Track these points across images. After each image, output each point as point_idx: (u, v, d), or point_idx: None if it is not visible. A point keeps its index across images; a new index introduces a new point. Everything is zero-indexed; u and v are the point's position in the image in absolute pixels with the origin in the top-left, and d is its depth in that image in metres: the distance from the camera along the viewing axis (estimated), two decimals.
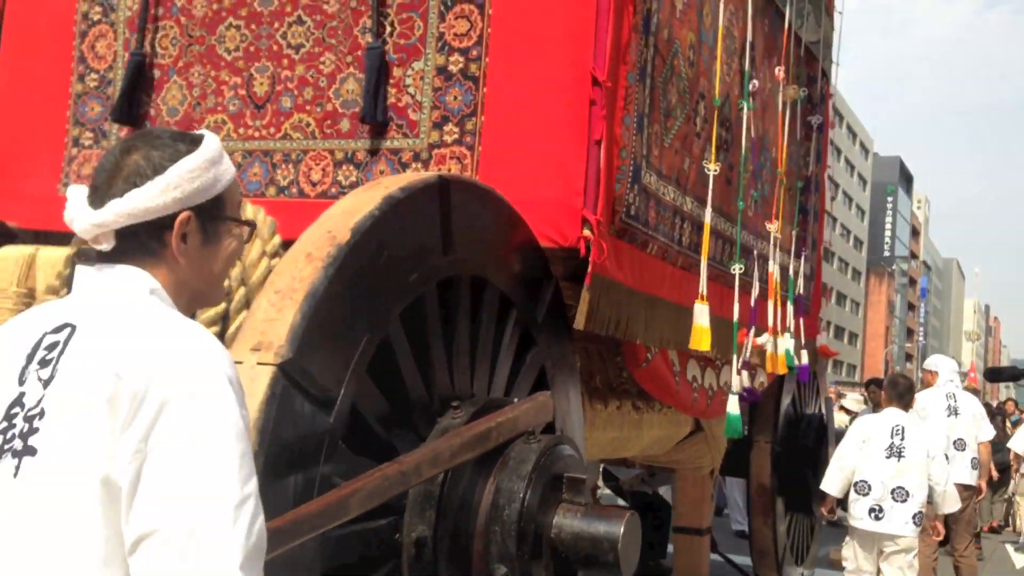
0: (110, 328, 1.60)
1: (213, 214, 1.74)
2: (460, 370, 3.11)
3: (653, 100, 3.88)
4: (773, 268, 5.01)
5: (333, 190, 3.91)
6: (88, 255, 2.81)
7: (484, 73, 3.71)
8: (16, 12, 4.64)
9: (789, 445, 6.94)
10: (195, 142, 1.73)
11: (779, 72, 5.13)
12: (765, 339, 4.78)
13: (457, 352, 3.10)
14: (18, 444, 1.54)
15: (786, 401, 6.99)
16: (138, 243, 1.69)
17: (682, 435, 5.81)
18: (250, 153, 4.08)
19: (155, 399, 1.49)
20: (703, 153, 4.36)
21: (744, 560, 7.57)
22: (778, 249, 5.13)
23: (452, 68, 3.77)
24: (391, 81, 3.85)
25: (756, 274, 4.72)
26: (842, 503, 6.64)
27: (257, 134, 4.09)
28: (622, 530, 2.90)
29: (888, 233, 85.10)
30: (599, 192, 3.51)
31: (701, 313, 4.01)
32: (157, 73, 4.30)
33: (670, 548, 7.37)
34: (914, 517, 6.11)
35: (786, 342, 5.04)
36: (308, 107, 4.00)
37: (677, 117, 4.12)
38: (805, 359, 5.83)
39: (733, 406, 4.60)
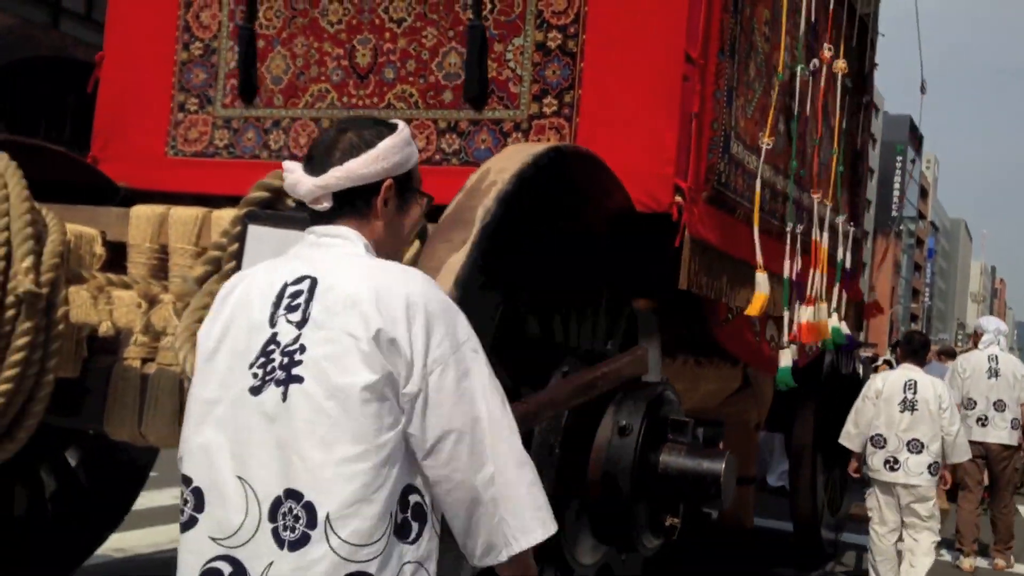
0: (351, 277, 1.92)
1: (406, 185, 2.10)
2: (587, 318, 3.52)
3: (739, 75, 4.16)
4: (820, 237, 5.28)
5: (436, 157, 4.19)
6: (257, 216, 3.12)
7: (582, 49, 3.99)
8: None
9: (829, 398, 7.26)
10: (392, 127, 2.09)
11: (826, 51, 5.35)
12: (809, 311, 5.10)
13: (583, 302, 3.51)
14: (280, 374, 1.87)
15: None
16: (351, 205, 2.03)
17: (731, 390, 6.13)
18: None
19: (418, 341, 1.86)
20: (777, 123, 4.64)
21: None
22: (828, 215, 5.40)
23: (551, 44, 4.04)
24: (492, 56, 4.12)
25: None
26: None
27: (361, 103, 4.36)
28: (723, 466, 3.25)
29: (897, 193, 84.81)
30: (690, 161, 3.80)
31: (762, 282, 4.31)
32: (262, 43, 4.57)
33: None
34: (929, 467, 6.43)
35: (827, 314, 5.34)
36: (411, 79, 4.27)
37: (756, 90, 4.40)
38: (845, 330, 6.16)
39: (785, 359, 4.90)
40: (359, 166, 2.00)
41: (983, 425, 8.06)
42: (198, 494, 1.90)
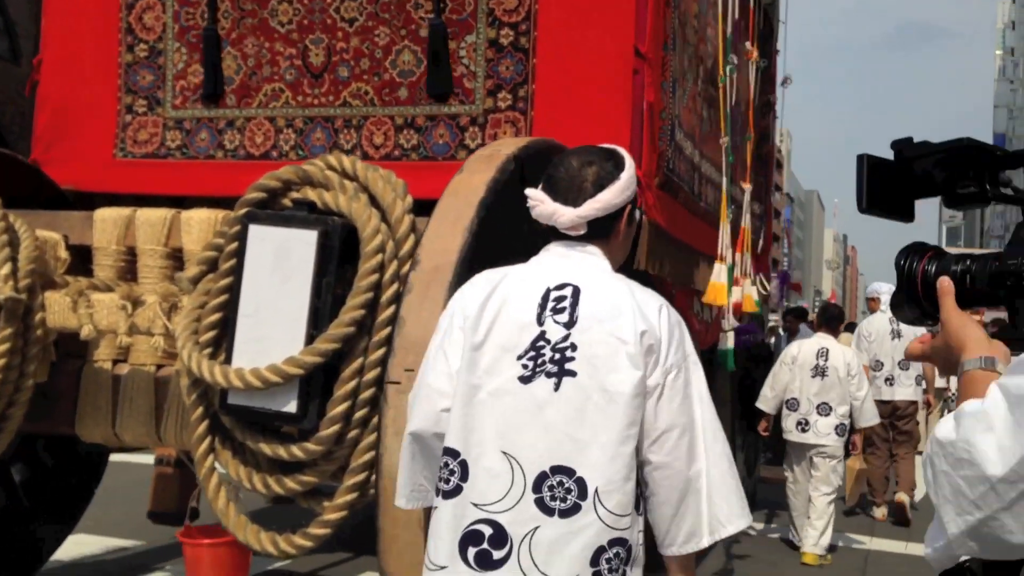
0: (611, 290, 2.21)
1: (634, 206, 2.37)
2: None
3: (680, 66, 4.45)
4: (745, 222, 5.65)
5: (396, 152, 4.36)
6: (257, 216, 3.22)
7: (534, 46, 4.21)
8: None
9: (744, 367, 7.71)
10: (620, 155, 2.35)
11: (749, 49, 5.69)
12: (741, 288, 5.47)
13: None
14: (551, 368, 2.13)
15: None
16: (599, 229, 2.29)
17: None
18: (311, 119, 4.49)
19: (664, 346, 2.16)
20: (703, 111, 4.96)
21: None
22: (748, 201, 5.78)
23: (503, 41, 4.25)
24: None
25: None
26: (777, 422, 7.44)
27: (316, 101, 4.49)
28: None
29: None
30: (644, 150, 4.07)
31: (720, 272, 4.63)
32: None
33: None
34: (836, 428, 6.95)
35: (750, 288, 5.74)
36: (366, 76, 4.42)
37: (689, 80, 4.70)
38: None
39: (728, 341, 5.27)
40: (612, 196, 2.26)
41: (891, 384, 8.56)
42: (464, 466, 2.14)
